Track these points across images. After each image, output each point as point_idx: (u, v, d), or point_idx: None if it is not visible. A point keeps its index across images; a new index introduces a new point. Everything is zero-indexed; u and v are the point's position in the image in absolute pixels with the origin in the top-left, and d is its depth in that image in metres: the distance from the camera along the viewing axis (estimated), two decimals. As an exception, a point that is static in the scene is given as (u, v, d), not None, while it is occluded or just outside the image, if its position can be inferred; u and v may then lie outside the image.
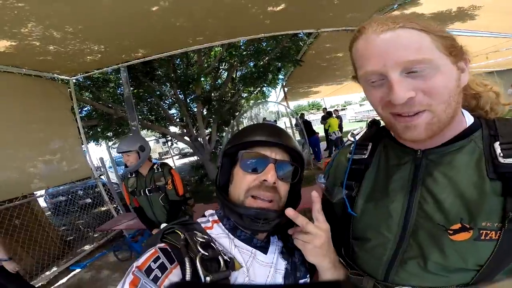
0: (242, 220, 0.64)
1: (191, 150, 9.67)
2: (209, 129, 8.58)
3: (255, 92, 9.40)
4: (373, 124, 0.73)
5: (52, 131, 4.45)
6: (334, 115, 9.51)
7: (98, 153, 7.74)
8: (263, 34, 4.57)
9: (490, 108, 0.61)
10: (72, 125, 4.81)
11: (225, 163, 0.73)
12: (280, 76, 9.10)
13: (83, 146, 5.05)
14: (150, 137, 12.75)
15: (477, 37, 5.78)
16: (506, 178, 0.50)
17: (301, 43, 5.90)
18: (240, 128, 0.84)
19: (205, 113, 7.80)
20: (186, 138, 7.84)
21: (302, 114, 9.84)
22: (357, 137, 0.72)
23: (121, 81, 5.37)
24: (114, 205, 5.13)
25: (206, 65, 6.98)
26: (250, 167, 0.66)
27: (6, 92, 3.69)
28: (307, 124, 8.87)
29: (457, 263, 0.53)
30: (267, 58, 6.20)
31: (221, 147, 10.55)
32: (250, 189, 0.65)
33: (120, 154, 2.45)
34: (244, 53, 6.33)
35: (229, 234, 0.67)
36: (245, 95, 10.04)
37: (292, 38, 5.91)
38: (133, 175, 2.55)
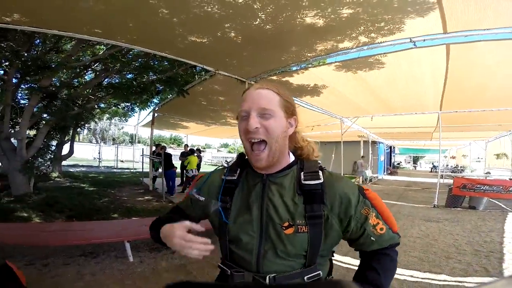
0: None
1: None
2: (34, 131, 6.47)
3: (117, 106, 8.09)
4: (241, 155, 0.98)
5: None
6: (195, 153, 9.58)
7: None
8: (166, 54, 4.18)
9: (307, 156, 0.94)
10: None
11: None
12: (155, 100, 8.44)
13: None
14: None
15: (312, 110, 7.66)
16: (305, 192, 0.82)
17: (196, 77, 5.72)
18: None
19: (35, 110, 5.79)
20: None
21: (164, 147, 9.29)
22: (229, 164, 0.97)
23: None
24: None
25: (77, 58, 5.50)
26: None
27: None
28: (168, 157, 8.41)
29: (292, 249, 0.80)
30: (154, 77, 5.55)
31: (44, 158, 7.98)
32: None
33: None
34: (134, 63, 5.42)
35: None
36: (101, 105, 8.49)
37: (189, 68, 5.66)
38: None
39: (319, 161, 0.92)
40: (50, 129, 6.07)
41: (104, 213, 5.35)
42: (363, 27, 2.96)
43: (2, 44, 4.58)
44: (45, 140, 6.28)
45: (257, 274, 0.82)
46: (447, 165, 24.23)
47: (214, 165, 26.30)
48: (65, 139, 9.85)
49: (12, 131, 5.54)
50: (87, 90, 6.36)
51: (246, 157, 0.92)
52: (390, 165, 24.29)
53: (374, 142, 17.08)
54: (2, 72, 5.60)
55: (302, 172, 0.85)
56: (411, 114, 8.17)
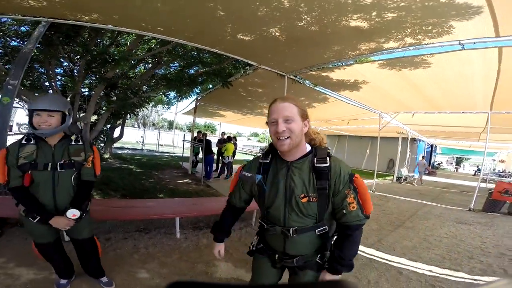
0: None
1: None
2: (95, 116, 7.25)
3: (167, 95, 8.74)
4: (271, 144, 1.32)
5: None
6: (232, 141, 10.04)
7: None
8: (216, 50, 4.53)
9: (319, 144, 1.30)
10: None
11: None
12: (196, 90, 8.95)
13: None
14: None
15: (350, 104, 7.65)
16: (317, 172, 1.20)
17: (242, 70, 6.03)
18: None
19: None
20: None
21: (205, 133, 9.87)
22: (264, 150, 1.38)
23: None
24: None
25: (136, 51, 6.12)
26: None
27: None
28: (208, 143, 8.96)
29: (306, 212, 1.21)
30: (203, 69, 5.97)
31: (102, 139, 8.95)
32: None
33: (35, 111, 1.76)
34: (185, 57, 5.88)
35: None
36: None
37: (234, 61, 5.99)
38: (32, 142, 1.82)
39: (329, 148, 1.31)
40: (109, 115, 6.79)
41: (151, 193, 5.90)
42: (410, 30, 3.02)
43: (76, 40, 5.19)
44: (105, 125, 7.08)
45: (284, 228, 1.26)
46: (494, 169, 22.30)
47: (245, 153, 26.96)
48: (117, 123, 10.87)
49: (79, 116, 6.32)
50: (142, 81, 6.96)
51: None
52: (429, 165, 22.95)
53: (413, 140, 16.28)
54: (72, 64, 6.39)
55: (315, 158, 1.23)
56: (457, 113, 7.77)
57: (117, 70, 5.81)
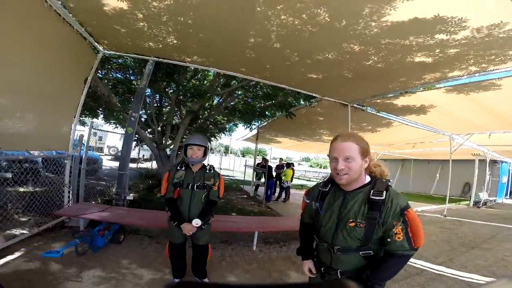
0: None
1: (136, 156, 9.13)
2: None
3: (236, 125, 9.76)
4: (331, 177, 1.49)
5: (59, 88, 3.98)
6: (291, 167, 10.46)
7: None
8: (285, 86, 5.14)
9: (380, 176, 1.48)
10: (78, 93, 4.42)
11: None
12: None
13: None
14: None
15: (416, 127, 7.44)
16: (370, 203, 1.32)
17: (307, 103, 6.50)
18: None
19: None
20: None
21: (267, 160, 10.55)
22: (325, 180, 1.56)
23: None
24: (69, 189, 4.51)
25: (215, 87, 7.19)
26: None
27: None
28: (270, 169, 9.57)
29: (352, 235, 1.34)
30: (269, 102, 6.69)
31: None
32: None
33: (190, 145, 2.59)
34: (255, 90, 6.71)
35: None
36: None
37: (296, 95, 6.54)
38: (183, 168, 2.63)
39: (390, 180, 1.49)
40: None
41: (224, 212, 6.42)
42: (473, 60, 3.19)
43: (173, 77, 6.21)
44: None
45: (331, 245, 1.42)
46: None
47: (297, 177, 26.85)
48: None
49: (168, 143, 7.55)
50: (218, 112, 7.98)
51: None
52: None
53: (494, 161, 14.45)
54: (165, 98, 7.65)
55: (372, 190, 1.34)
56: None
57: (200, 103, 6.80)
